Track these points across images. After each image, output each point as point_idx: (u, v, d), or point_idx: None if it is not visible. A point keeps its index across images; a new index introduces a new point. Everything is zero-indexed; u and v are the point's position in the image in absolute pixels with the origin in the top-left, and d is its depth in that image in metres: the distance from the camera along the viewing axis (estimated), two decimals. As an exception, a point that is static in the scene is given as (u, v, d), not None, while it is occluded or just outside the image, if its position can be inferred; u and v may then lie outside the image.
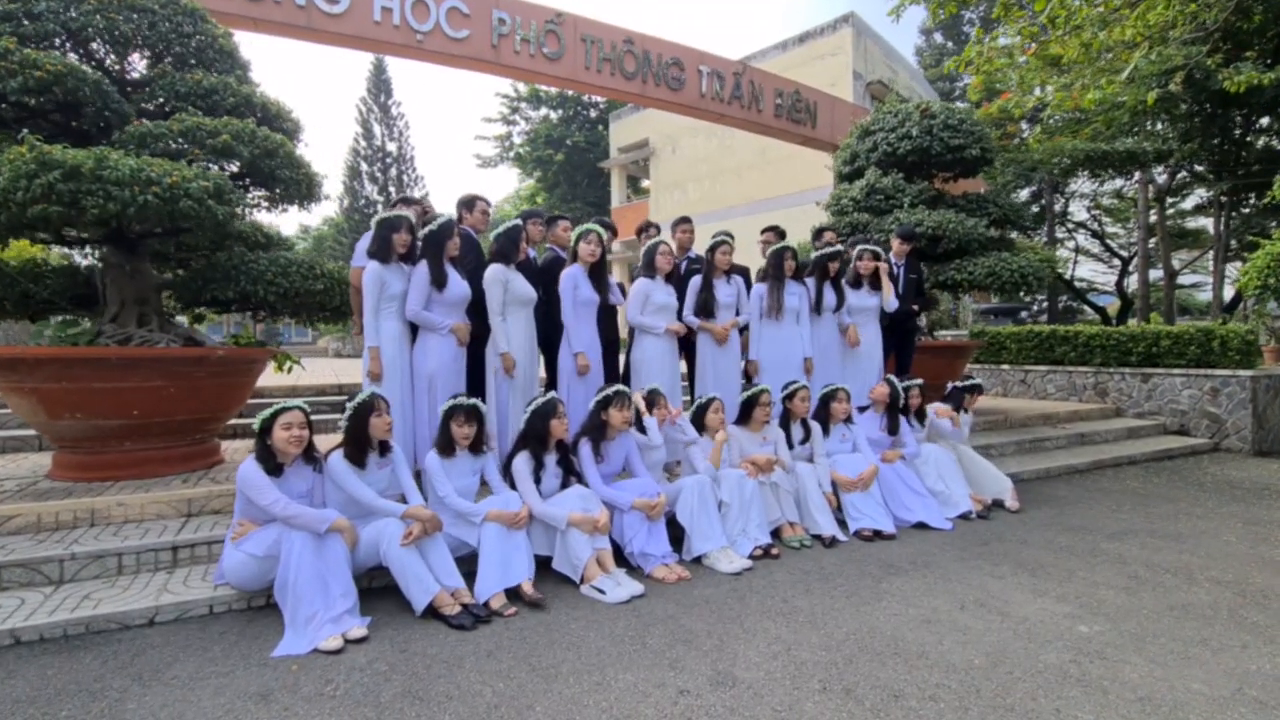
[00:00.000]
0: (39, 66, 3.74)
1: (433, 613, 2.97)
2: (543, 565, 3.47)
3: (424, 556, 3.07)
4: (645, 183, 27.01)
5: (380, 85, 33.77)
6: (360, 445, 3.21)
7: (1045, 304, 21.72)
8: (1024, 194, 18.56)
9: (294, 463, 3.08)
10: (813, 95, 11.37)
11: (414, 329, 4.05)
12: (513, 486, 3.53)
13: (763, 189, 19.28)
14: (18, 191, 3.35)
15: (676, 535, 3.81)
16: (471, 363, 4.25)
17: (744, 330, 5.17)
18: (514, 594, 3.16)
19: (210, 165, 4.15)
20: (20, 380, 3.82)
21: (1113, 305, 18.09)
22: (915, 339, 6.46)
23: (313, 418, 3.24)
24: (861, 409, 4.89)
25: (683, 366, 5.21)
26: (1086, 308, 18.37)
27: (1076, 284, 18.72)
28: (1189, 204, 18.21)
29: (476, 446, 3.52)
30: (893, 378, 4.89)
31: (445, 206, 4.86)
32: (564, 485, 3.67)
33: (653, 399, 4.12)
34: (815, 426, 4.57)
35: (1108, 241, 19.18)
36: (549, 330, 4.58)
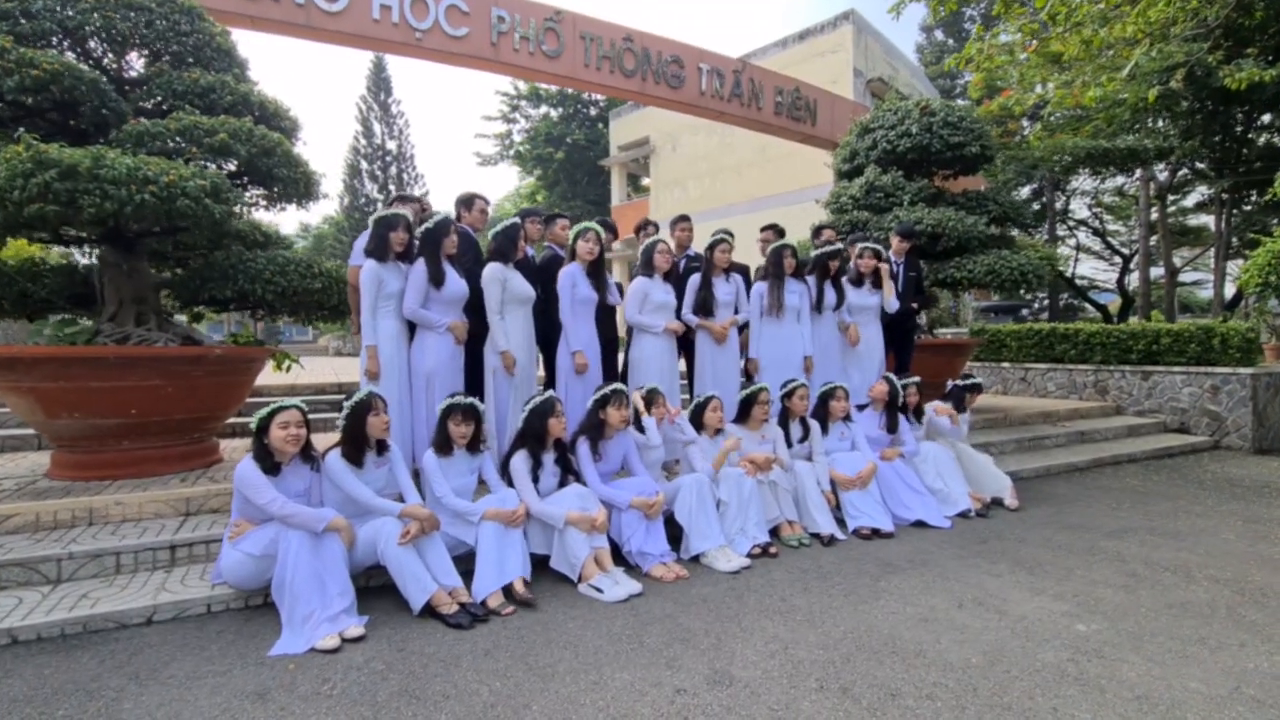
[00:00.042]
0: (36, 65, 3.74)
1: (430, 612, 2.96)
2: (541, 564, 3.47)
3: (421, 555, 3.07)
4: (645, 180, 26.99)
5: (380, 83, 33.77)
6: (358, 444, 3.20)
7: (1046, 302, 21.69)
8: (1025, 191, 18.52)
9: (291, 462, 3.08)
10: (813, 93, 11.35)
11: (412, 328, 4.05)
12: (510, 485, 3.53)
13: (763, 187, 19.26)
14: (14, 190, 3.34)
15: (675, 534, 3.80)
16: (470, 361, 4.24)
17: (743, 329, 5.17)
18: (507, 591, 3.16)
19: (208, 164, 4.15)
20: (18, 379, 3.82)
21: (1114, 303, 18.04)
22: (915, 337, 6.45)
23: (312, 417, 3.25)
24: (860, 407, 4.89)
25: (682, 365, 5.20)
26: (1088, 305, 18.33)
27: (1077, 282, 18.68)
28: (1190, 201, 18.18)
29: (474, 445, 3.52)
30: (892, 376, 4.88)
31: (445, 205, 4.86)
32: (562, 484, 3.67)
33: (651, 398, 4.11)
34: (814, 425, 4.56)
35: (1109, 239, 19.13)
36: (547, 329, 4.58)
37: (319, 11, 6.99)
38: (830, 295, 5.23)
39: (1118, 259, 18.09)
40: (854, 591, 3.30)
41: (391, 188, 32.76)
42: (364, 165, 33.42)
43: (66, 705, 2.30)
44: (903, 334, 6.05)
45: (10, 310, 4.53)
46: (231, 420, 5.31)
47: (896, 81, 17.77)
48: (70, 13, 4.12)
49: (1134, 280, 16.74)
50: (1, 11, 3.96)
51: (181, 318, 4.99)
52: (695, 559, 3.70)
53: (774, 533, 4.05)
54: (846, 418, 4.67)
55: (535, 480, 3.54)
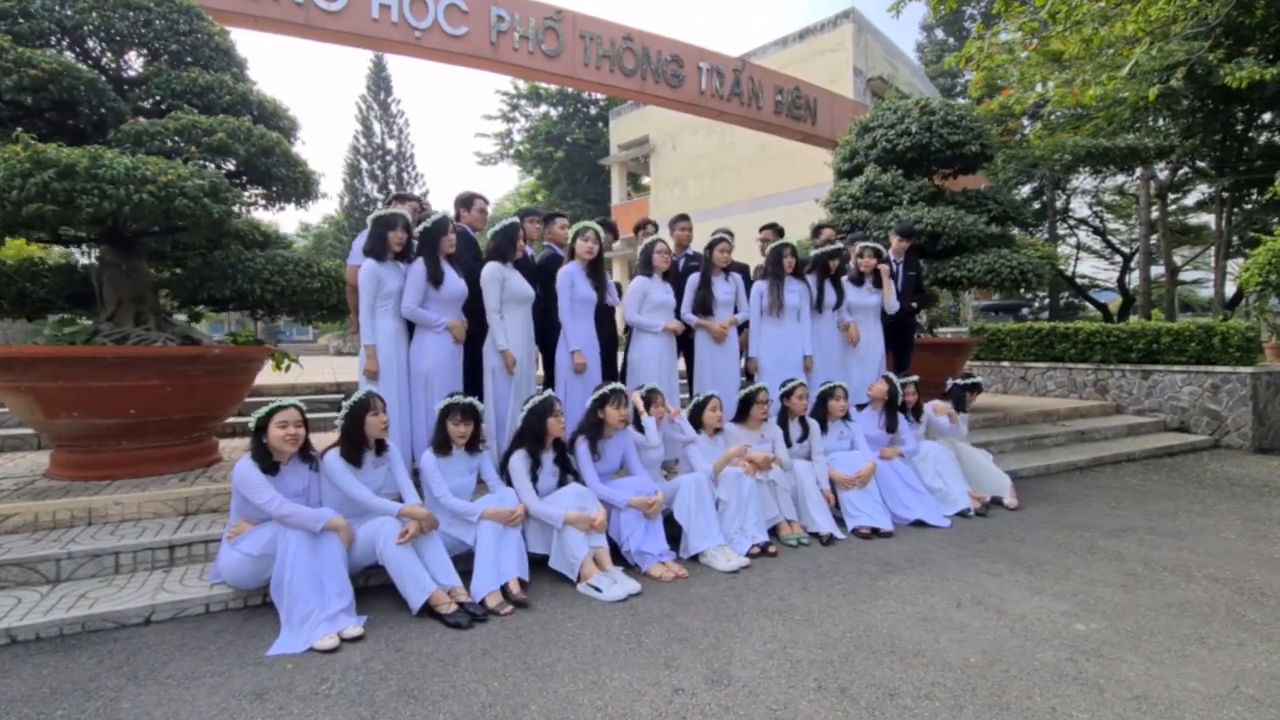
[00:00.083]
0: (34, 65, 3.74)
1: (429, 611, 2.96)
2: (540, 563, 3.47)
3: (420, 555, 3.07)
4: (645, 180, 26.98)
5: (380, 83, 33.76)
6: (356, 444, 3.20)
7: (1047, 301, 21.67)
8: (1025, 190, 18.51)
9: (290, 461, 3.08)
10: (813, 92, 11.35)
11: (411, 327, 4.04)
12: (509, 485, 3.53)
13: (763, 186, 19.26)
14: (12, 190, 3.34)
15: (674, 533, 3.80)
16: (469, 361, 4.24)
17: (743, 328, 5.16)
18: (505, 591, 3.15)
19: (206, 163, 4.15)
20: (17, 379, 3.82)
21: (1114, 302, 18.04)
22: (914, 336, 6.45)
23: (311, 416, 3.25)
24: (860, 406, 4.89)
25: (681, 365, 5.20)
26: (1088, 304, 18.33)
27: (1078, 280, 18.68)
28: (1191, 200, 18.18)
29: (473, 445, 3.52)
30: (891, 375, 4.88)
31: (445, 205, 4.86)
32: (561, 484, 3.67)
33: (650, 398, 4.11)
34: (813, 424, 4.56)
35: (1109, 238, 19.13)
36: (547, 328, 4.57)
37: (318, 10, 6.99)
38: (830, 294, 5.23)
39: (1118, 258, 18.09)
40: (853, 591, 3.30)
41: (391, 187, 32.76)
42: (364, 165, 33.42)
43: (65, 705, 2.30)
44: (902, 333, 6.04)
45: (9, 310, 4.53)
46: (231, 420, 5.31)
47: (897, 80, 17.75)
48: (69, 12, 4.12)
49: (1134, 279, 16.73)
50: (0, 11, 3.96)
51: (181, 317, 4.99)
52: (694, 558, 3.69)
53: (773, 532, 4.04)
54: (846, 417, 4.66)
55: (534, 480, 3.54)
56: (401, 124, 34.07)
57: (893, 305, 5.46)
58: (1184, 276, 21.32)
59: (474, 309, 4.16)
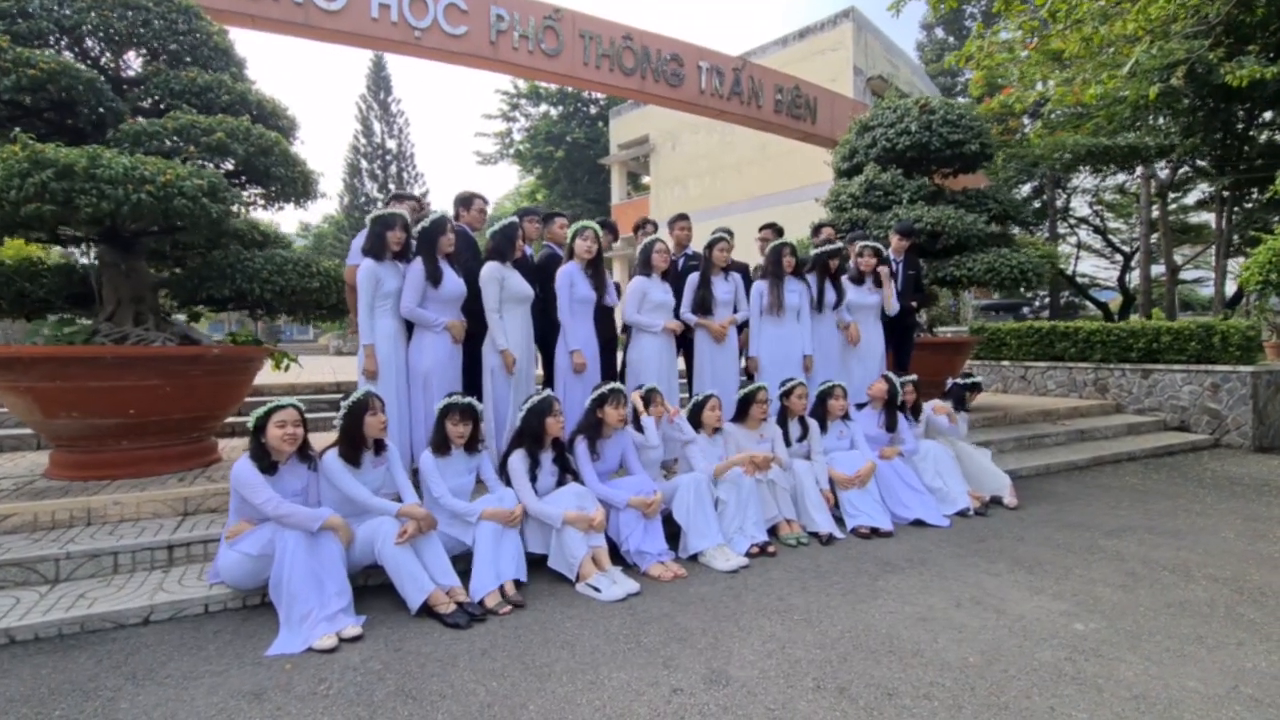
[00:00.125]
0: (32, 65, 3.74)
1: (428, 611, 2.96)
2: (538, 563, 3.47)
3: (419, 555, 3.07)
4: (646, 179, 26.97)
5: (380, 82, 33.76)
6: (355, 444, 3.20)
7: (1047, 300, 21.67)
8: (1026, 189, 18.50)
9: (288, 461, 3.07)
10: (813, 91, 11.34)
11: (410, 327, 4.04)
12: (508, 485, 3.53)
13: (763, 185, 19.25)
14: (10, 190, 3.34)
15: (673, 533, 3.80)
16: (468, 361, 4.24)
17: (742, 328, 5.16)
18: (501, 592, 3.15)
19: (205, 163, 4.14)
20: (16, 379, 3.82)
21: (1115, 301, 18.04)
22: (914, 335, 6.44)
23: (311, 416, 3.25)
24: (860, 406, 4.88)
25: (681, 364, 5.20)
26: (1088, 303, 18.32)
27: (1078, 280, 18.67)
28: (1191, 199, 18.16)
29: (472, 445, 3.51)
30: (891, 374, 4.87)
31: (445, 204, 4.86)
32: (560, 483, 3.67)
33: (650, 397, 4.11)
34: (813, 424, 4.56)
35: (1110, 237, 19.12)
36: (546, 328, 4.57)
37: (317, 10, 6.99)
38: (830, 294, 5.22)
39: (1119, 257, 18.08)
40: (852, 590, 3.30)
41: (391, 186, 32.76)
42: (364, 164, 33.43)
43: (63, 705, 2.30)
44: (902, 332, 6.04)
45: (8, 310, 4.53)
46: (231, 419, 5.32)
47: (897, 79, 17.75)
48: (67, 11, 4.12)
49: (1135, 278, 16.72)
50: (-2, 10, 3.96)
51: (180, 317, 4.99)
52: (693, 558, 3.69)
53: (772, 532, 4.04)
54: (845, 416, 4.66)
55: (533, 480, 3.54)
56: (401, 123, 34.09)
57: (893, 307, 5.46)
58: (1184, 275, 21.31)
59: (473, 309, 4.15)
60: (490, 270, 4.09)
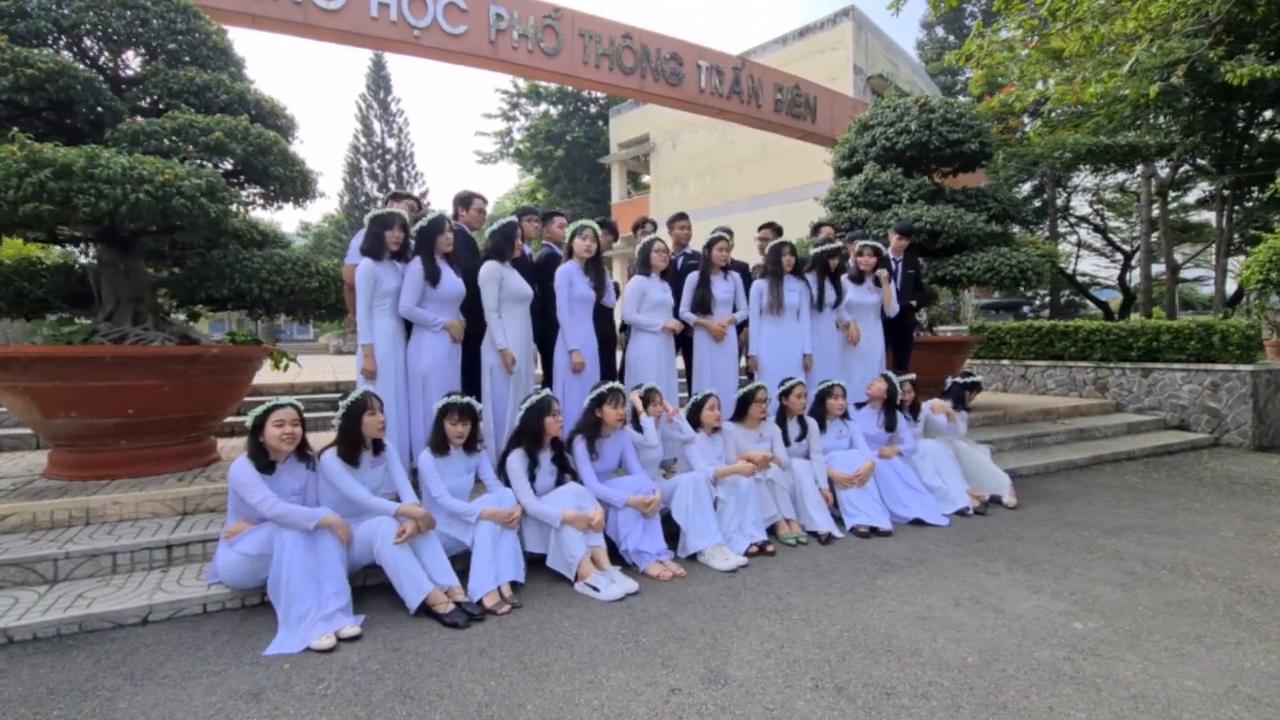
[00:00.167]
0: (31, 64, 3.73)
1: (426, 611, 2.96)
2: (537, 563, 3.46)
3: (417, 554, 3.06)
4: (646, 178, 26.96)
5: (379, 82, 33.74)
6: (354, 444, 3.20)
7: (1047, 299, 21.66)
8: (1026, 188, 18.48)
9: (286, 460, 3.07)
10: (812, 90, 11.33)
11: (409, 326, 4.04)
12: (507, 484, 3.53)
13: (763, 184, 19.25)
14: (8, 190, 3.34)
15: (672, 532, 3.80)
16: (466, 360, 4.24)
17: (742, 327, 5.16)
18: (499, 593, 3.15)
19: (203, 163, 4.14)
20: (14, 379, 3.82)
21: (1115, 300, 18.02)
22: (914, 335, 6.44)
23: (310, 416, 3.25)
24: (859, 405, 4.88)
25: (680, 363, 5.19)
26: (1089, 302, 18.32)
27: (1079, 279, 18.66)
28: (1192, 198, 18.14)
29: (471, 445, 3.51)
30: (890, 373, 4.87)
31: (445, 203, 4.86)
32: (559, 483, 3.67)
33: (649, 397, 4.10)
34: (812, 423, 4.55)
35: (1110, 236, 19.10)
36: (545, 327, 4.57)
37: (316, 9, 6.98)
38: (830, 293, 5.22)
39: (1119, 256, 18.06)
40: (851, 590, 3.29)
41: (391, 185, 32.76)
42: (364, 163, 33.41)
43: (61, 705, 2.30)
44: (901, 331, 6.03)
45: (7, 309, 4.53)
46: (230, 419, 5.32)
47: (897, 78, 17.73)
48: (66, 11, 4.11)
49: (1135, 277, 16.71)
50: (-3, 10, 3.96)
51: (180, 317, 4.99)
52: (692, 557, 3.69)
53: (771, 531, 4.04)
54: (844, 416, 4.66)
55: (532, 479, 3.54)
56: (401, 123, 34.07)
57: (893, 309, 5.46)
58: (1185, 274, 21.29)
59: (472, 308, 4.15)
60: (489, 269, 4.08)
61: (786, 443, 4.41)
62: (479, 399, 3.78)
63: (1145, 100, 9.96)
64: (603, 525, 3.51)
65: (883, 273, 5.38)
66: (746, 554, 3.72)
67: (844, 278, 5.35)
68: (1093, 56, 8.58)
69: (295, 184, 4.64)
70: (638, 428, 4.01)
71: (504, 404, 4.15)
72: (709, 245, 4.93)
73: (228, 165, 4.37)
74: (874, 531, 4.17)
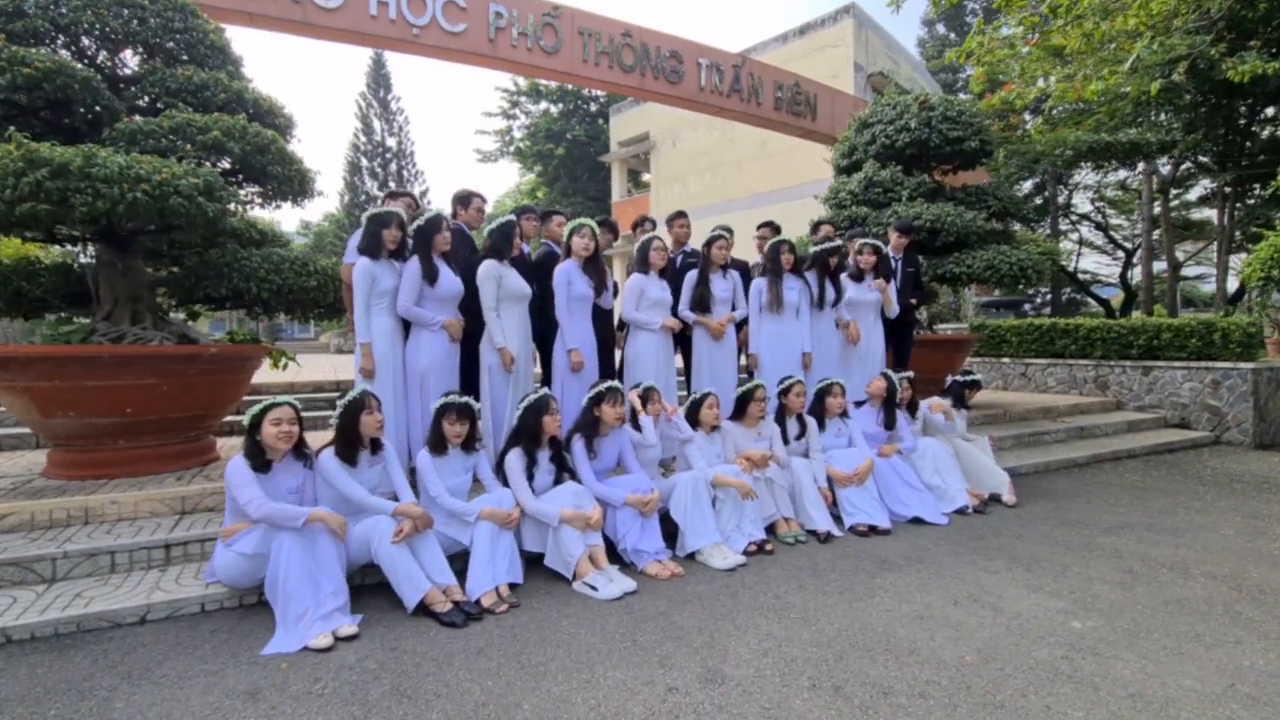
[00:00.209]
0: (28, 63, 3.73)
1: (424, 610, 2.96)
2: (535, 562, 3.46)
3: (415, 554, 3.06)
4: (646, 176, 26.93)
5: (379, 80, 33.70)
6: (351, 443, 3.19)
7: (1049, 296, 21.63)
8: (1028, 186, 18.45)
9: (284, 459, 3.07)
10: (813, 88, 11.30)
11: (407, 325, 4.03)
12: (505, 484, 3.52)
13: (763, 182, 19.23)
14: (5, 190, 3.33)
15: (671, 531, 3.80)
16: (465, 360, 4.23)
17: (741, 325, 5.15)
18: (497, 593, 3.15)
19: (201, 162, 4.13)
20: (13, 379, 3.82)
21: (1116, 298, 17.99)
22: (914, 333, 6.43)
23: (310, 415, 3.24)
24: (859, 404, 4.87)
25: (679, 362, 5.19)
26: (1090, 300, 18.29)
27: (1080, 276, 18.62)
28: (1193, 195, 18.10)
29: (469, 444, 3.51)
30: (890, 372, 4.86)
31: (445, 202, 4.85)
32: (557, 482, 3.66)
33: (648, 396, 4.10)
34: (811, 422, 4.55)
35: (1111, 233, 19.07)
36: (544, 326, 4.56)
37: (315, 8, 6.96)
38: (830, 292, 5.21)
39: (1120, 253, 18.04)
40: (849, 589, 3.29)
41: (392, 184, 32.72)
42: (364, 162, 33.38)
43: (59, 704, 2.30)
44: (901, 330, 6.02)
45: (6, 309, 4.53)
46: (230, 418, 5.32)
47: (898, 76, 17.70)
48: (63, 10, 4.11)
49: (1137, 274, 16.69)
50: (-6, 10, 3.95)
51: (179, 316, 4.99)
52: (691, 556, 3.69)
53: (770, 530, 4.03)
54: (844, 414, 4.65)
55: (530, 478, 3.53)
56: (401, 121, 34.03)
57: (894, 310, 5.46)
58: (1186, 272, 21.22)
59: (471, 307, 4.14)
60: (487, 268, 4.08)
61: (785, 441, 4.40)
62: (477, 398, 3.78)
63: (1146, 97, 9.92)
64: (601, 524, 3.51)
65: (880, 282, 5.37)
66: (745, 553, 3.72)
67: (843, 276, 5.34)
68: (1094, 53, 8.56)
69: (293, 183, 4.63)
70: (636, 427, 4.00)
71: (502, 403, 4.14)
72: (708, 243, 4.92)
73: (225, 164, 4.36)
74: (873, 530, 4.17)
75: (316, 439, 3.32)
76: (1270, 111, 12.06)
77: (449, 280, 4.02)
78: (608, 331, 4.85)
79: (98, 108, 4.12)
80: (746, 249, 6.04)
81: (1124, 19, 7.76)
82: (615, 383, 3.89)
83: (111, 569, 3.24)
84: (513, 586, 3.22)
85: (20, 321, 4.68)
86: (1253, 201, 13.59)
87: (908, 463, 4.64)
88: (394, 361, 3.92)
